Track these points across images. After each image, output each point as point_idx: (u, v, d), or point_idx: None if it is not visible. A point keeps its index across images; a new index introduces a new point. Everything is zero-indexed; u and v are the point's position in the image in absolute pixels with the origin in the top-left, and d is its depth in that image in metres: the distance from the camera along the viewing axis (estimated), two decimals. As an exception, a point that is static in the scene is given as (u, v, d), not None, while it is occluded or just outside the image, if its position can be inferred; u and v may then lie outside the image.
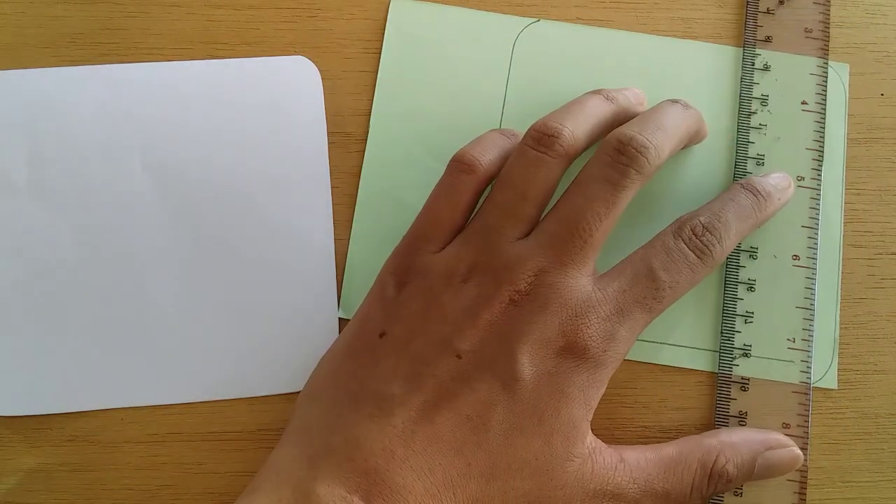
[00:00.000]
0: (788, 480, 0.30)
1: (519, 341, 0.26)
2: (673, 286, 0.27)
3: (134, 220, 0.32)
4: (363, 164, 0.32)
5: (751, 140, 0.32)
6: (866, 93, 0.33)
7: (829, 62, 0.33)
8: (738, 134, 0.32)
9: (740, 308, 0.31)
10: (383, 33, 0.33)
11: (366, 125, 0.33)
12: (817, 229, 0.32)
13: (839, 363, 0.31)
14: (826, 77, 0.32)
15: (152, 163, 0.32)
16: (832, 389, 0.31)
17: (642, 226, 0.31)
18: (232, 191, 0.32)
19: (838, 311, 0.31)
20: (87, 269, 0.31)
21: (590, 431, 0.27)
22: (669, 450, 0.28)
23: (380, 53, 0.33)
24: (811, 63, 0.33)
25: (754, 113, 0.32)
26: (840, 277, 0.32)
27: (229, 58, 0.33)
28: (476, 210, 0.29)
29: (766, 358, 0.31)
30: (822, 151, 0.32)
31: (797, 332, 0.31)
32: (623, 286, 0.27)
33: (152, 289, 0.31)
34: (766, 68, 0.33)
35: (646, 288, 0.27)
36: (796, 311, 0.31)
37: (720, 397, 0.31)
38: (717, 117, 0.33)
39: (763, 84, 0.33)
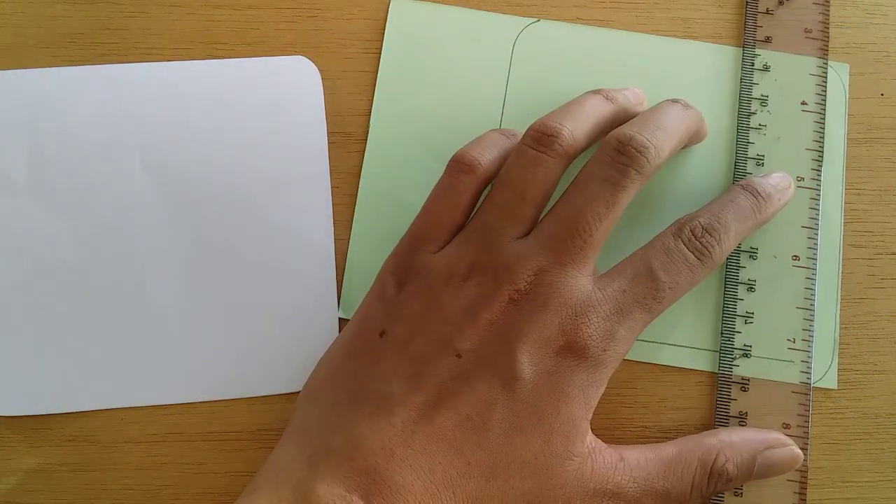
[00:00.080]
0: (788, 480, 0.30)
1: (519, 340, 0.26)
2: (673, 287, 0.27)
3: (134, 220, 0.32)
4: (363, 164, 0.32)
5: (751, 140, 0.32)
6: (866, 93, 0.33)
7: (829, 62, 0.33)
8: (737, 134, 0.32)
9: (740, 308, 0.31)
10: (383, 33, 0.33)
11: (366, 125, 0.33)
12: (817, 229, 0.32)
13: (839, 363, 0.31)
14: (826, 77, 0.32)
15: (152, 163, 0.32)
16: (832, 389, 0.31)
17: (642, 226, 0.31)
18: (232, 191, 0.32)
19: (838, 312, 0.31)
20: (87, 269, 0.31)
21: (589, 431, 0.27)
22: (669, 449, 0.28)
23: (380, 53, 0.33)
24: (811, 63, 0.33)
25: (754, 113, 0.32)
26: (840, 277, 0.32)
27: (229, 58, 0.33)
28: (476, 210, 0.29)
29: (766, 358, 0.31)
30: (822, 152, 0.32)
31: (797, 332, 0.31)
32: (623, 286, 0.27)
33: (152, 289, 0.31)
34: (765, 68, 0.33)
35: (646, 288, 0.27)
36: (796, 312, 0.31)
37: (720, 397, 0.31)
38: (716, 117, 0.33)
39: (763, 84, 0.33)
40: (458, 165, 0.29)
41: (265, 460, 0.27)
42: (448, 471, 0.25)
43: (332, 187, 0.32)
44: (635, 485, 0.27)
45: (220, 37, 0.33)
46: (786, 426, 0.30)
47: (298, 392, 0.30)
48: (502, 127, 0.32)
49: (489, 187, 0.29)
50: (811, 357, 0.31)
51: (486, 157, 0.29)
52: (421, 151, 0.33)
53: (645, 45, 0.33)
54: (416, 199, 0.30)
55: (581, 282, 0.27)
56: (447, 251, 0.28)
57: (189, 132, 0.32)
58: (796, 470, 0.29)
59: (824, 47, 0.33)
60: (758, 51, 0.33)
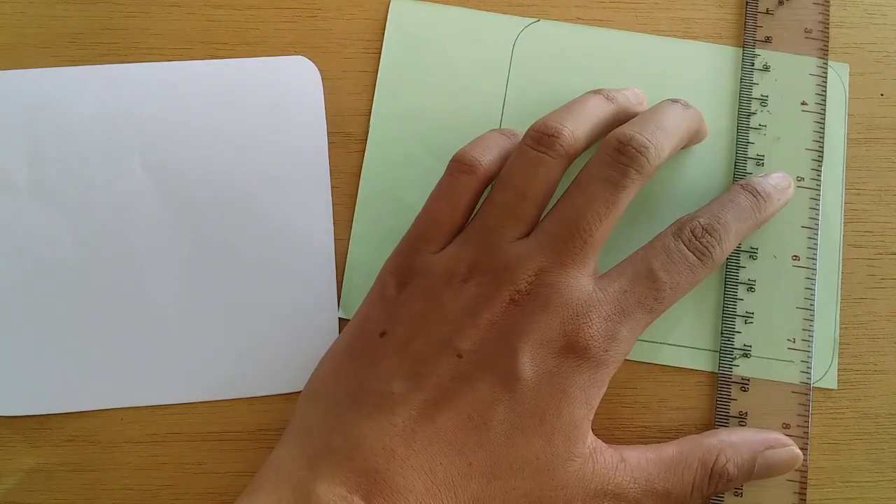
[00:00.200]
0: (788, 480, 0.30)
1: (520, 341, 0.26)
2: (673, 287, 0.27)
3: (134, 220, 0.32)
4: (363, 164, 0.32)
5: (750, 140, 0.32)
6: (866, 93, 0.33)
7: (829, 62, 0.33)
8: (737, 134, 0.32)
9: (740, 308, 0.31)
10: (383, 33, 0.33)
11: (366, 125, 0.33)
12: (817, 229, 0.32)
13: (839, 363, 0.31)
14: (826, 77, 0.33)
15: (152, 163, 0.32)
16: (832, 389, 0.31)
17: (642, 226, 0.31)
18: (232, 191, 0.32)
19: (838, 312, 0.31)
20: (87, 269, 0.31)
21: (591, 431, 0.27)
22: (670, 450, 0.28)
23: (380, 53, 0.33)
24: (811, 63, 0.33)
25: (754, 113, 0.32)
26: (840, 277, 0.32)
27: (229, 58, 0.33)
28: (476, 210, 0.29)
29: (766, 358, 0.31)
30: (822, 152, 0.32)
31: (797, 332, 0.31)
32: (624, 286, 0.27)
33: (152, 289, 0.31)
34: (765, 68, 0.33)
35: (646, 288, 0.27)
36: (796, 312, 0.31)
37: (720, 397, 0.31)
38: (716, 117, 0.33)
39: (763, 84, 0.33)
40: (459, 166, 0.29)
41: (265, 460, 0.27)
42: (449, 471, 0.25)
43: (332, 187, 0.32)
44: (636, 485, 0.27)
45: (220, 37, 0.33)
46: (786, 426, 0.30)
47: (298, 392, 0.30)
48: (502, 127, 0.32)
49: (490, 188, 0.29)
50: (811, 357, 0.31)
51: (487, 157, 0.29)
52: (421, 151, 0.33)
53: (645, 45, 0.33)
54: (416, 199, 0.30)
55: (582, 282, 0.27)
56: (448, 251, 0.28)
57: (189, 132, 0.32)
58: (796, 470, 0.29)
59: (824, 47, 0.33)
60: (758, 51, 0.33)
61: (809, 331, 0.31)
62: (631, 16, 0.33)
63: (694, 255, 0.28)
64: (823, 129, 0.32)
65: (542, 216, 0.28)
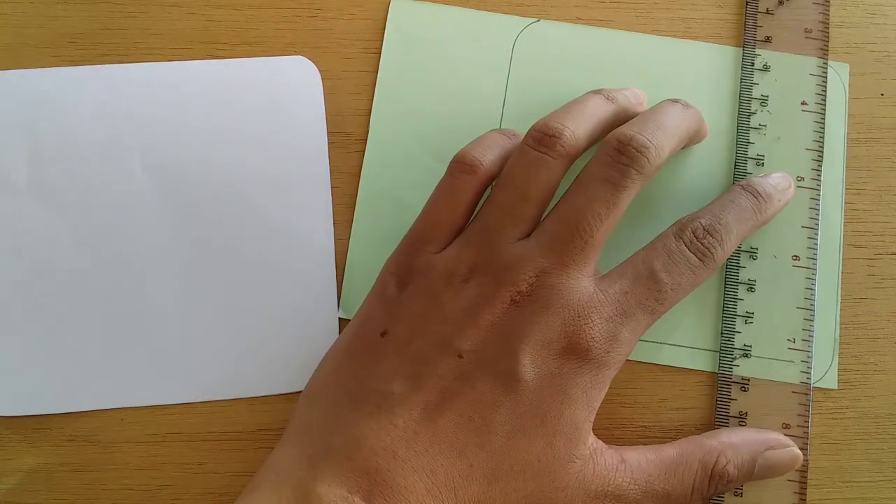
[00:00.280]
0: (788, 480, 0.30)
1: (521, 342, 0.26)
2: (675, 288, 0.27)
3: (134, 220, 0.32)
4: (363, 164, 0.32)
5: (751, 140, 0.32)
6: (866, 93, 0.33)
7: (829, 62, 0.33)
8: (737, 134, 0.32)
9: (740, 308, 0.31)
10: (383, 33, 0.33)
11: (366, 125, 0.33)
12: (817, 229, 0.32)
13: (839, 363, 0.31)
14: (826, 77, 0.32)
15: (152, 163, 0.32)
16: (832, 389, 0.31)
17: (642, 226, 0.31)
18: (232, 191, 0.32)
19: (838, 311, 0.31)
20: (87, 268, 0.31)
21: (591, 432, 0.27)
22: (670, 451, 0.28)
23: (380, 53, 0.33)
24: (811, 63, 0.33)
25: (754, 113, 0.32)
26: (840, 277, 0.32)
27: (229, 58, 0.33)
28: (477, 210, 0.29)
29: (766, 358, 0.31)
30: (822, 151, 0.32)
31: (797, 332, 0.31)
32: (625, 287, 0.27)
33: (152, 289, 0.31)
34: (765, 68, 0.33)
35: (648, 289, 0.27)
36: (796, 312, 0.31)
37: (720, 397, 0.31)
38: (716, 117, 0.33)
39: (763, 84, 0.33)
40: (460, 166, 0.29)
41: (265, 460, 0.27)
42: (450, 472, 0.25)
43: (332, 187, 0.32)
44: (636, 486, 0.27)
45: (220, 37, 0.33)
46: (786, 426, 0.30)
47: (298, 392, 0.30)
48: (502, 127, 0.32)
49: (491, 188, 0.29)
50: (811, 357, 0.31)
51: (488, 157, 0.29)
52: (421, 151, 0.32)
53: (645, 45, 0.33)
54: (416, 199, 0.30)
55: (583, 283, 0.27)
56: (448, 252, 0.28)
57: (189, 132, 0.32)
58: (796, 470, 0.29)
59: (824, 47, 0.33)
60: (758, 51, 0.33)
61: (809, 331, 0.31)
62: (631, 16, 0.33)
63: (695, 255, 0.28)
64: (823, 129, 0.32)
65: (543, 216, 0.28)
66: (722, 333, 0.31)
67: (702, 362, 0.31)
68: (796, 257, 0.31)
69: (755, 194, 0.29)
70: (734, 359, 0.31)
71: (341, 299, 0.32)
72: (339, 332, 0.31)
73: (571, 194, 0.28)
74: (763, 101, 0.32)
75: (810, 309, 0.31)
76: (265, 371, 0.31)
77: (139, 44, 0.33)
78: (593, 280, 0.27)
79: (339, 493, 0.25)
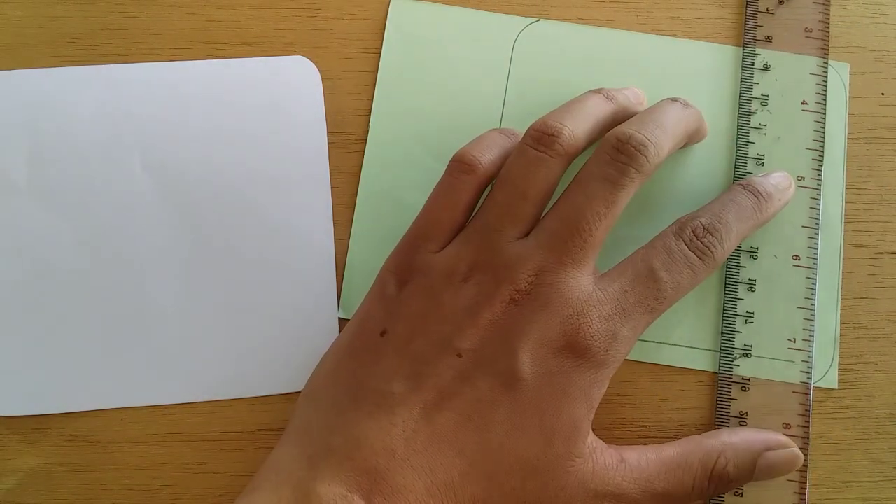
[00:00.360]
0: (788, 480, 0.30)
1: (520, 340, 0.26)
2: (674, 287, 0.27)
3: (134, 220, 0.32)
4: (363, 164, 0.32)
5: (751, 140, 0.32)
6: (867, 92, 0.33)
7: (830, 62, 0.33)
8: (738, 134, 0.32)
9: (741, 308, 0.31)
10: (383, 33, 0.33)
11: (366, 125, 0.33)
12: (818, 229, 0.32)
13: (840, 363, 0.31)
14: (826, 77, 0.32)
15: (152, 163, 0.32)
16: (833, 389, 0.31)
17: (642, 226, 0.31)
18: (232, 191, 0.32)
19: (839, 311, 0.31)
20: (87, 268, 0.31)
21: (591, 431, 0.27)
22: (670, 450, 0.28)
23: (380, 53, 0.33)
24: (811, 63, 0.33)
25: (754, 113, 0.32)
26: (840, 277, 0.32)
27: (229, 58, 0.33)
28: (476, 209, 0.29)
29: (766, 358, 0.31)
30: (823, 151, 0.32)
31: (797, 332, 0.31)
32: (624, 286, 0.27)
33: (152, 289, 0.31)
34: (766, 68, 0.33)
35: (647, 288, 0.27)
36: (797, 311, 0.31)
37: (720, 397, 0.31)
38: (717, 117, 0.33)
39: (763, 84, 0.33)
40: (459, 165, 0.29)
41: (265, 460, 0.27)
42: (449, 471, 0.25)
43: (332, 187, 0.32)
44: (636, 486, 0.27)
45: (220, 37, 0.33)
46: (786, 426, 0.30)
47: (298, 392, 0.30)
48: (502, 126, 0.32)
49: (490, 187, 0.29)
50: (812, 357, 0.31)
51: (487, 156, 0.29)
52: (421, 151, 0.32)
53: (645, 45, 0.33)
54: (416, 199, 0.30)
55: (582, 281, 0.27)
56: (448, 251, 0.28)
57: (189, 132, 0.32)
58: (796, 470, 0.29)
59: (825, 47, 0.33)
60: (758, 50, 0.33)
61: (810, 330, 0.31)
62: (631, 16, 0.33)
63: (695, 254, 0.28)
64: (824, 128, 0.32)
65: (543, 215, 0.28)
66: (722, 333, 0.31)
67: (702, 362, 0.31)
68: (797, 257, 0.31)
69: (755, 193, 0.29)
70: (734, 359, 0.31)
71: (341, 299, 0.32)
72: (340, 332, 0.31)
73: (571, 193, 0.28)
74: (763, 100, 0.32)
75: (811, 309, 0.31)
76: (265, 371, 0.31)
77: (139, 44, 0.33)
78: (593, 279, 0.27)
79: (338, 492, 0.25)
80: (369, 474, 0.25)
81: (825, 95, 0.32)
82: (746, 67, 0.33)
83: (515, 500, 0.26)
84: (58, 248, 0.31)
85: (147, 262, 0.32)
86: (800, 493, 0.30)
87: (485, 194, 0.29)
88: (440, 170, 0.29)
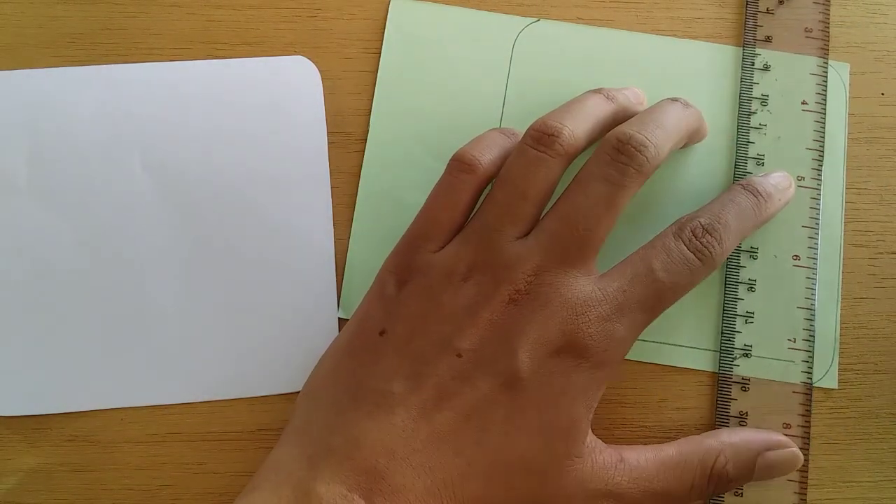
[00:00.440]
0: (789, 480, 0.30)
1: (519, 340, 0.26)
2: (673, 287, 0.27)
3: (134, 219, 0.32)
4: (363, 164, 0.32)
5: (751, 140, 0.32)
6: (867, 92, 0.33)
7: (830, 61, 0.33)
8: (738, 134, 0.32)
9: (741, 308, 0.31)
10: (383, 33, 0.33)
11: (366, 125, 0.33)
12: (818, 229, 0.32)
13: (840, 363, 0.31)
14: (826, 77, 0.32)
15: (152, 163, 0.32)
16: (833, 389, 0.31)
17: (642, 226, 0.31)
18: (232, 191, 0.32)
19: (839, 311, 0.31)
20: (87, 269, 0.31)
21: (590, 431, 0.27)
22: (669, 450, 0.28)
23: (380, 53, 0.33)
24: (811, 63, 0.33)
25: (754, 113, 0.32)
26: (840, 277, 0.32)
27: (229, 58, 0.33)
28: (476, 209, 0.29)
29: (766, 358, 0.31)
30: (823, 151, 0.32)
31: (797, 332, 0.31)
32: (623, 286, 0.27)
33: (152, 289, 0.31)
34: (766, 68, 0.33)
35: (646, 288, 0.27)
36: (797, 311, 0.31)
37: (720, 397, 0.31)
38: (716, 117, 0.33)
39: (763, 84, 0.32)
40: (459, 165, 0.29)
41: (264, 459, 0.27)
42: (449, 471, 0.25)
43: (332, 187, 0.32)
44: (635, 485, 0.27)
45: (220, 37, 0.33)
46: (786, 426, 0.30)
47: (298, 392, 0.30)
48: (502, 126, 0.32)
49: (490, 187, 0.29)
50: (812, 357, 0.31)
51: (487, 156, 0.29)
52: (421, 151, 0.32)
53: (645, 45, 0.33)
54: (416, 199, 0.30)
55: (581, 281, 0.27)
56: (447, 250, 0.28)
57: (189, 132, 0.32)
58: (796, 470, 0.29)
59: (825, 47, 0.33)
60: (758, 50, 0.33)
61: (810, 330, 0.31)
62: (631, 16, 0.33)
63: (694, 255, 0.27)
64: (824, 128, 0.32)
65: (543, 215, 0.28)
66: (722, 333, 0.31)
67: (702, 362, 0.31)
68: (797, 257, 0.31)
69: (755, 193, 0.29)
70: (734, 359, 0.31)
71: (341, 299, 0.32)
72: (339, 332, 0.31)
73: (570, 193, 0.28)
74: (763, 100, 0.32)
75: (811, 309, 0.31)
76: (265, 371, 0.31)
77: (139, 44, 0.33)
78: (592, 279, 0.27)
79: (339, 491, 0.25)
80: (369, 474, 0.25)
81: (825, 95, 0.32)
82: (746, 67, 0.33)
83: (515, 499, 0.26)
84: (58, 248, 0.31)
85: (147, 261, 0.32)
86: (800, 493, 0.30)
87: (484, 194, 0.29)
88: (440, 170, 0.29)
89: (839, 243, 0.32)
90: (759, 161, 0.32)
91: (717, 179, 0.32)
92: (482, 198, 0.29)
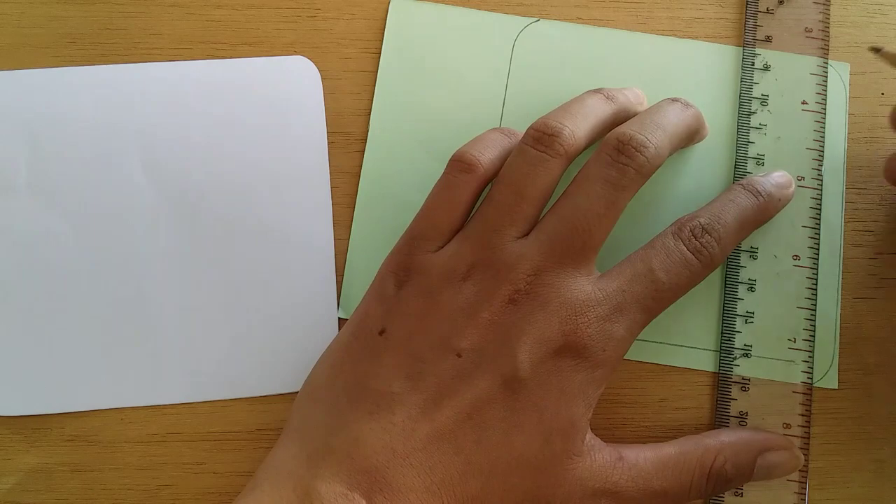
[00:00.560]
0: (788, 480, 0.30)
1: (519, 340, 0.26)
2: (672, 287, 0.27)
3: (134, 219, 0.32)
4: (363, 164, 0.32)
5: (751, 140, 0.32)
6: (867, 92, 0.33)
7: (830, 61, 0.33)
8: (738, 134, 0.32)
9: (741, 308, 0.31)
10: (383, 33, 0.33)
11: (366, 125, 0.33)
12: (818, 229, 0.32)
13: (840, 363, 0.31)
14: (826, 76, 0.32)
15: (152, 163, 0.32)
16: (833, 389, 0.31)
17: (642, 226, 0.31)
18: (232, 190, 0.32)
19: (839, 311, 0.31)
20: (87, 268, 0.31)
21: (589, 430, 0.27)
22: (669, 449, 0.28)
23: (380, 53, 0.33)
24: (811, 62, 0.33)
25: (754, 113, 0.32)
26: (840, 277, 0.32)
27: (229, 58, 0.33)
28: (476, 209, 0.29)
29: (766, 358, 0.31)
30: (823, 151, 0.32)
31: (798, 332, 0.31)
32: (623, 286, 0.27)
33: (152, 289, 0.31)
34: (766, 68, 0.33)
35: (645, 288, 0.27)
36: (797, 311, 0.31)
37: (720, 397, 0.31)
38: (717, 117, 0.33)
39: (763, 84, 0.32)
40: (459, 164, 0.29)
41: (264, 459, 0.27)
42: (448, 470, 0.25)
43: (332, 187, 0.32)
44: (633, 484, 0.27)
45: (220, 37, 0.33)
46: (786, 426, 0.30)
47: (298, 392, 0.30)
48: (502, 126, 0.32)
49: (489, 186, 0.29)
50: (812, 357, 0.31)
51: (487, 156, 0.29)
52: (421, 151, 0.32)
53: (645, 45, 0.33)
54: (416, 199, 0.30)
55: (581, 282, 0.27)
56: (447, 250, 0.28)
57: (189, 132, 0.32)
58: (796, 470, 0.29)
59: (825, 46, 0.33)
60: (758, 50, 0.33)
61: (810, 330, 0.31)
62: (631, 16, 0.33)
63: (693, 255, 0.28)
64: (824, 128, 0.32)
65: (542, 215, 0.28)
66: (722, 333, 0.31)
67: (702, 362, 0.31)
68: (797, 257, 0.31)
69: (755, 193, 0.29)
70: (734, 359, 0.31)
71: (341, 299, 0.32)
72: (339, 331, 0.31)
73: (570, 193, 0.28)
74: (763, 100, 0.32)
75: (811, 309, 0.31)
76: (265, 371, 0.31)
77: (139, 44, 0.33)
78: (592, 279, 0.27)
79: (339, 490, 0.25)
80: (369, 473, 0.25)
81: (825, 95, 0.32)
82: (746, 67, 0.33)
83: (514, 497, 0.26)
84: (58, 248, 0.31)
85: (147, 261, 0.32)
86: (800, 493, 0.30)
87: (484, 194, 0.29)
88: (440, 169, 0.29)
89: (839, 243, 0.32)
90: (759, 161, 0.32)
91: (716, 179, 0.32)
92: (482, 198, 0.29)
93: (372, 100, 0.33)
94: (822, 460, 0.31)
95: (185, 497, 0.31)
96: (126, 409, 0.31)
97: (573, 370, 0.26)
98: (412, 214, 0.29)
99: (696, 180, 0.32)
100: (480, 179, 0.28)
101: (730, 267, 0.31)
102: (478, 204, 0.29)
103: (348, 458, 0.25)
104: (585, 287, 0.27)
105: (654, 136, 0.27)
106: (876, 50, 0.30)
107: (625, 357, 0.28)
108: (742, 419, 0.30)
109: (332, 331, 0.31)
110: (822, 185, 0.32)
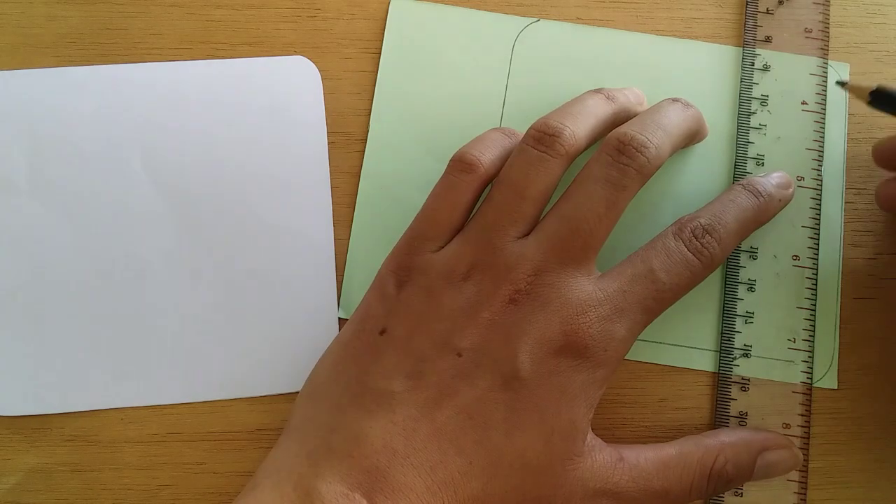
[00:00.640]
0: (788, 480, 0.30)
1: (519, 340, 0.26)
2: (673, 287, 0.27)
3: (134, 219, 0.32)
4: (363, 164, 0.32)
5: (751, 140, 0.32)
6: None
7: (830, 62, 0.33)
8: (738, 134, 0.32)
9: (740, 308, 0.31)
10: (383, 33, 0.33)
11: (366, 125, 0.33)
12: (818, 229, 0.32)
13: (839, 363, 0.31)
14: (826, 77, 0.32)
15: (152, 163, 0.32)
16: (832, 389, 0.31)
17: (642, 226, 0.31)
18: (232, 190, 0.32)
19: (838, 311, 0.31)
20: (87, 269, 0.31)
21: (590, 430, 0.27)
22: (669, 449, 0.28)
23: (380, 53, 0.33)
24: (811, 63, 0.33)
25: (754, 113, 0.32)
26: (840, 277, 0.32)
27: (229, 58, 0.33)
28: (476, 209, 0.29)
29: (766, 358, 0.31)
30: (822, 151, 0.32)
31: (797, 332, 0.31)
32: (623, 286, 0.27)
33: (152, 289, 0.31)
34: (766, 68, 0.33)
35: (646, 289, 0.27)
36: (796, 311, 0.31)
37: (720, 397, 0.31)
38: (716, 117, 0.33)
39: (763, 84, 0.33)
40: (459, 165, 0.29)
41: (265, 458, 0.27)
42: (449, 470, 0.25)
43: (332, 187, 0.32)
44: (634, 484, 0.27)
45: (220, 37, 0.33)
46: (786, 426, 0.30)
47: (298, 392, 0.30)
48: (502, 126, 0.32)
49: (490, 186, 0.29)
50: (812, 357, 0.31)
51: (487, 156, 0.29)
52: (421, 151, 0.33)
53: (645, 45, 0.33)
54: (416, 198, 0.30)
55: (581, 282, 0.27)
56: (447, 250, 0.28)
57: (189, 132, 0.32)
58: (796, 470, 0.29)
59: (824, 47, 0.33)
60: (758, 51, 0.33)
61: (810, 330, 0.31)
62: (631, 16, 0.33)
63: (694, 255, 0.28)
64: (824, 128, 0.32)
65: (543, 215, 0.28)
66: (722, 333, 0.31)
67: (702, 362, 0.31)
68: (796, 257, 0.31)
69: (756, 193, 0.29)
70: (734, 359, 0.31)
71: (341, 299, 0.32)
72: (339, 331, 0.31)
73: (571, 193, 0.28)
74: (763, 100, 0.32)
75: (811, 309, 0.31)
76: (265, 371, 0.31)
77: (139, 44, 0.33)
78: (592, 279, 0.27)
79: (339, 490, 0.25)
80: (370, 472, 0.25)
81: (825, 95, 0.32)
82: (746, 68, 0.33)
83: (515, 498, 0.26)
84: (58, 248, 0.31)
85: (147, 261, 0.32)
86: (800, 493, 0.30)
87: (484, 194, 0.29)
88: (440, 170, 0.29)
89: (839, 243, 0.32)
90: (759, 161, 0.32)
91: (716, 179, 0.32)
92: (482, 198, 0.29)
93: (372, 100, 0.33)
94: (821, 460, 0.31)
95: (185, 497, 0.31)
96: (126, 409, 0.31)
97: (574, 370, 0.26)
98: (412, 214, 0.29)
99: (696, 180, 0.32)
100: (481, 180, 0.29)
101: (730, 267, 0.32)
102: (478, 204, 0.29)
103: (349, 458, 0.25)
104: (586, 287, 0.27)
105: (655, 136, 0.28)
106: (842, 84, 0.30)
107: (625, 357, 0.28)
108: (742, 419, 0.30)
109: (332, 331, 0.31)
110: (821, 185, 0.32)
